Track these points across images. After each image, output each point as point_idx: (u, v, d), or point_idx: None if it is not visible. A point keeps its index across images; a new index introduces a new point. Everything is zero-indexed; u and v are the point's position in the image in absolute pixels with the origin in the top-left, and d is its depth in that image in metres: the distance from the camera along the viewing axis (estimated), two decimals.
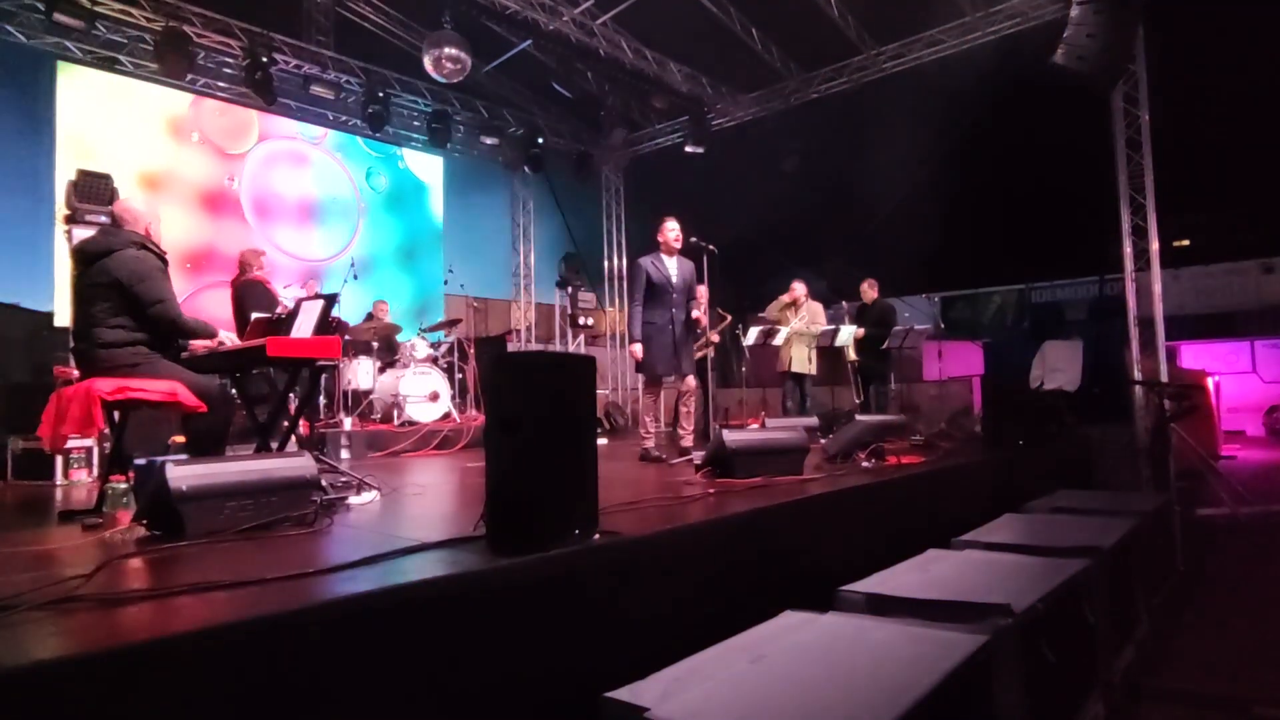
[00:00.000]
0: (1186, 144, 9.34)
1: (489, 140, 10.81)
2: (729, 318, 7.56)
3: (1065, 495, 5.04)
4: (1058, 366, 8.14)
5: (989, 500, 4.50)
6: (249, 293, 5.55)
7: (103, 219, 6.60)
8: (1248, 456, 10.44)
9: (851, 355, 7.90)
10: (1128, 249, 7.66)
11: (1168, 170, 7.58)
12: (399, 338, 8.06)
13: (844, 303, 8.39)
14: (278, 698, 1.52)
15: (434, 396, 7.41)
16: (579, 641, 2.10)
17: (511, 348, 10.43)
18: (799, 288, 7.75)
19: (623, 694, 1.85)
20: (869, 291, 8.16)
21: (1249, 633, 3.99)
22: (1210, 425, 9.63)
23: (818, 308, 7.85)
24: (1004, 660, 2.25)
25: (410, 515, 3.14)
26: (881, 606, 2.60)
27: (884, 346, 7.88)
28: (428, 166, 11.07)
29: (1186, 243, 14.07)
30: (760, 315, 7.77)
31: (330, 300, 3.77)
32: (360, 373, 7.47)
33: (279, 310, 4.91)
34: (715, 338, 7.40)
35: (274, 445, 3.76)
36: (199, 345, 3.63)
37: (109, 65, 8.02)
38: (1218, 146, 11.39)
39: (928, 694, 1.80)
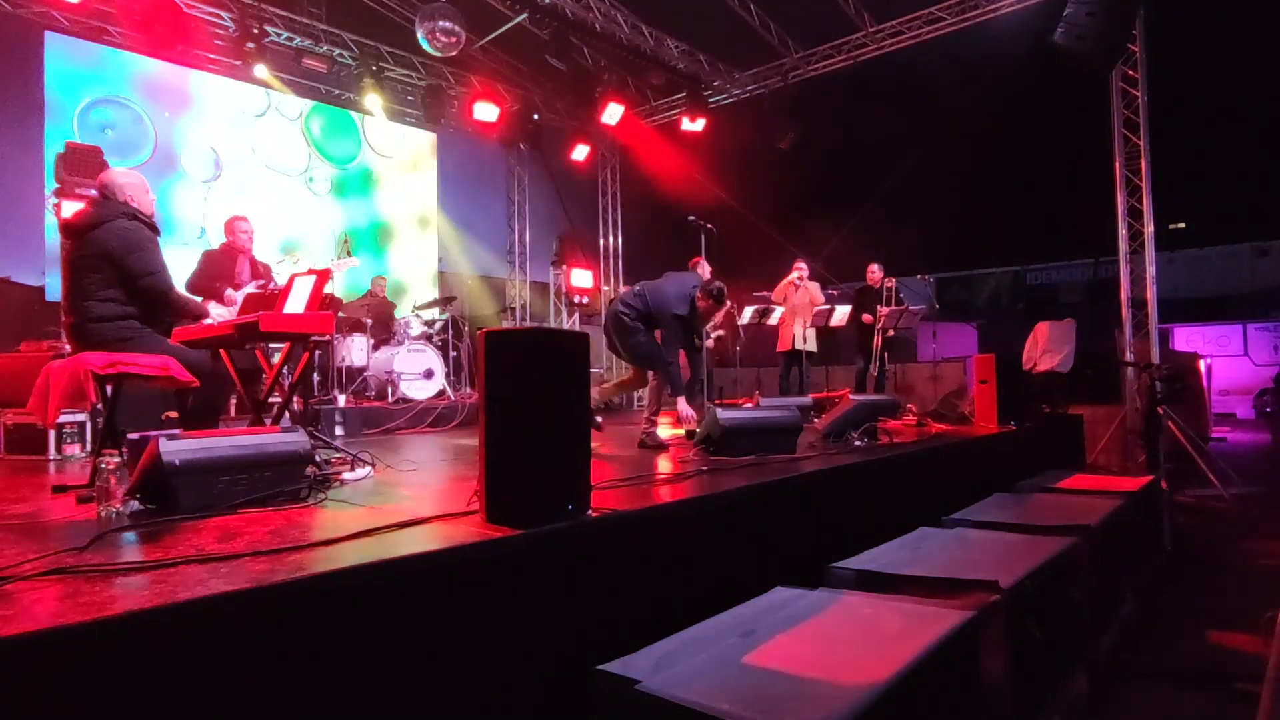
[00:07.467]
0: (1184, 126, 9.32)
1: (484, 116, 10.68)
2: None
3: (1055, 475, 5.09)
4: (1050, 347, 8.17)
5: (980, 479, 4.54)
6: (209, 259, 5.34)
7: (93, 192, 6.52)
8: (1237, 439, 10.53)
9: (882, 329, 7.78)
10: (1123, 231, 7.66)
11: (1164, 152, 7.56)
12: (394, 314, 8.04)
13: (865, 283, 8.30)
14: (271, 669, 1.53)
15: (428, 374, 7.41)
16: (571, 615, 2.12)
17: (506, 325, 10.41)
18: (803, 267, 7.88)
19: (614, 666, 1.88)
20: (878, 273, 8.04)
21: (1232, 611, 4.04)
22: (1201, 407, 9.71)
23: (815, 287, 7.95)
24: (990, 635, 2.28)
25: (404, 491, 3.14)
26: (871, 583, 2.63)
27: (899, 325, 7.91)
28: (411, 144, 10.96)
29: (1182, 225, 14.09)
30: (758, 295, 7.78)
31: (323, 276, 3.75)
32: (354, 350, 7.44)
33: (248, 285, 4.92)
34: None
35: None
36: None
37: (97, 35, 7.90)
38: (1215, 129, 11.38)
39: (913, 667, 1.83)
